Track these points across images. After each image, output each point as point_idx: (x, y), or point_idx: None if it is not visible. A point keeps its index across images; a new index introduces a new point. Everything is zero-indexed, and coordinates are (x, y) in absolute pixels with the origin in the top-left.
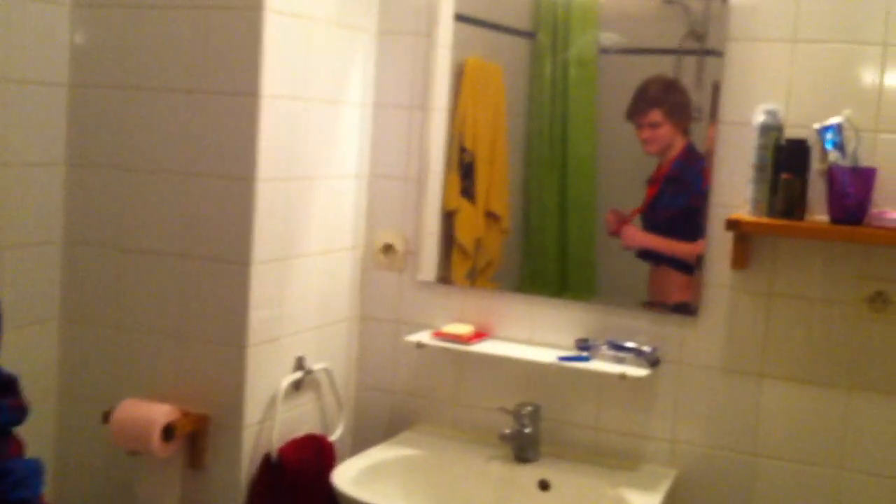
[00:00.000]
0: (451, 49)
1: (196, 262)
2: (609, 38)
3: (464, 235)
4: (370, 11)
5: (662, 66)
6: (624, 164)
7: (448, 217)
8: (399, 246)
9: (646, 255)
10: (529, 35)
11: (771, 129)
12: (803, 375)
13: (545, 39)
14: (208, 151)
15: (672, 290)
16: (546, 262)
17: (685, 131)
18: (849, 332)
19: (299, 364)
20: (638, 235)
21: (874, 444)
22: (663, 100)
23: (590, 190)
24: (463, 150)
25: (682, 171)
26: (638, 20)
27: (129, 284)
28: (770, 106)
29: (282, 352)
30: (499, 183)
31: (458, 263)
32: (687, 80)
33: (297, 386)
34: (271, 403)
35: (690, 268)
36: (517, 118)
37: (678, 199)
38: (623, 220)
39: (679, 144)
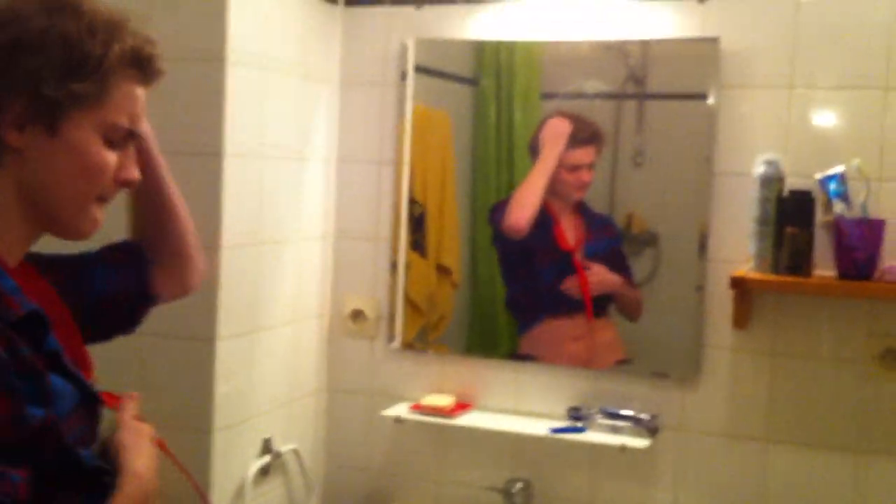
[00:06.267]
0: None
1: (150, 339)
2: (551, 82)
3: (416, 292)
4: (332, 61)
5: (604, 111)
6: None
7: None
8: (369, 312)
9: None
10: (473, 82)
11: (772, 181)
12: (812, 440)
13: (489, 85)
14: None
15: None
16: (496, 315)
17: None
18: (859, 392)
19: (266, 447)
20: (609, 277)
21: None
22: (597, 140)
23: None
24: (413, 201)
25: (600, 217)
26: (579, 64)
27: None
28: (770, 156)
29: (248, 434)
30: (449, 234)
31: (410, 321)
32: (627, 125)
33: (264, 471)
34: (238, 494)
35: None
36: (463, 166)
37: (607, 244)
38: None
39: None
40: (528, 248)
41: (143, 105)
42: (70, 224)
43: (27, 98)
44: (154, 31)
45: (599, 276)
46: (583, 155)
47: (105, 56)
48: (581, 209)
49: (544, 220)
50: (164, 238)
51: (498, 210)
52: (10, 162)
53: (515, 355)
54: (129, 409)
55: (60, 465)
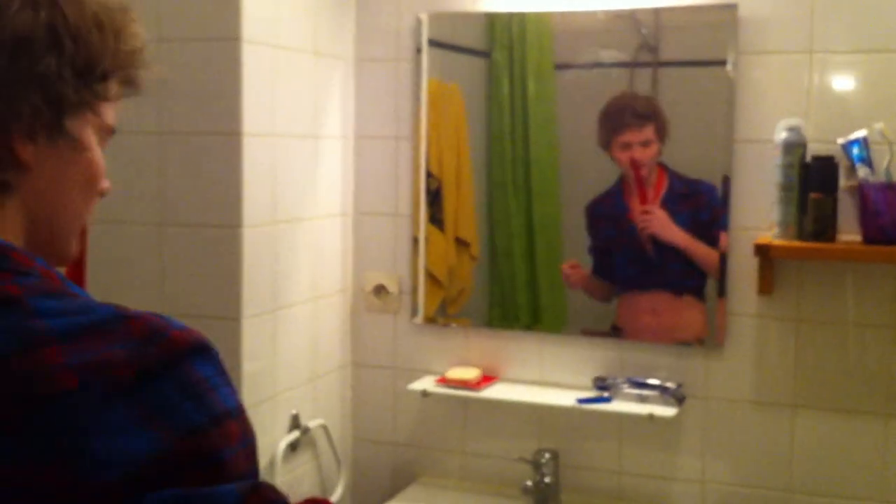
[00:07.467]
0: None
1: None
2: (564, 53)
3: (436, 265)
4: (346, 38)
5: (617, 80)
6: (587, 181)
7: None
8: (392, 287)
9: (657, 280)
10: (485, 54)
11: (795, 146)
12: (838, 404)
13: (501, 58)
14: (185, 198)
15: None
16: (515, 287)
17: (659, 151)
18: (885, 357)
19: (295, 422)
20: (668, 224)
21: None
22: (653, 116)
23: (555, 210)
24: (429, 175)
25: (690, 188)
26: (591, 34)
27: None
28: (792, 121)
29: (276, 411)
30: (466, 207)
31: (431, 295)
32: (641, 93)
33: (293, 446)
34: (269, 468)
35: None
36: (477, 139)
37: (687, 218)
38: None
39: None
40: (609, 230)
41: None
42: (64, 249)
43: (40, 102)
44: (168, 12)
45: (659, 218)
46: (633, 135)
47: (117, 52)
48: (667, 175)
49: (617, 204)
50: None
51: (595, 205)
52: (20, 183)
53: (537, 327)
54: None
55: None
